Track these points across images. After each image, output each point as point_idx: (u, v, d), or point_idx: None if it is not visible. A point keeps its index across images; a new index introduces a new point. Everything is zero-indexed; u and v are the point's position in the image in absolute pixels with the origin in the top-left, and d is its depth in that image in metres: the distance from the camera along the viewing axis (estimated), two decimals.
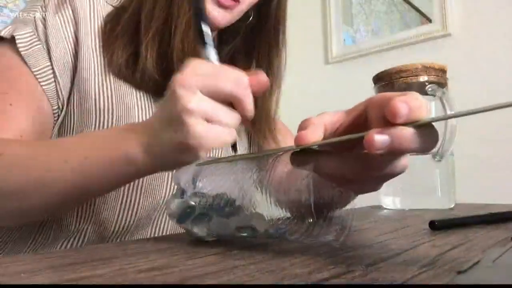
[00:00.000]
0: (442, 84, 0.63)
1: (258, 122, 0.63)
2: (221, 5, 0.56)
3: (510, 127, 1.27)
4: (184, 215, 0.36)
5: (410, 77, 0.62)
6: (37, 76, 0.51)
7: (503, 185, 1.28)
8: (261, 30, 0.65)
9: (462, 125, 0.61)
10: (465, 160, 0.90)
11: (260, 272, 0.24)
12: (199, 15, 0.43)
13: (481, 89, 1.36)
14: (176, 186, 0.37)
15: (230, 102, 0.36)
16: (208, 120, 0.34)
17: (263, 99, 0.63)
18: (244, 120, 0.38)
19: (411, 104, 0.25)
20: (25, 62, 0.50)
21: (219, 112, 0.35)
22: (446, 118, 0.26)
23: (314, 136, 0.30)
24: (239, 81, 0.35)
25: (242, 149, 0.67)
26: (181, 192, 0.36)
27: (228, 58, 0.67)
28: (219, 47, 0.69)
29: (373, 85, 0.68)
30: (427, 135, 0.26)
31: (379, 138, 0.25)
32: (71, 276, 0.24)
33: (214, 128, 0.35)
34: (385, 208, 0.67)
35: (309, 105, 1.67)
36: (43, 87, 0.51)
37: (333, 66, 1.79)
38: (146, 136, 0.37)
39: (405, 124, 0.25)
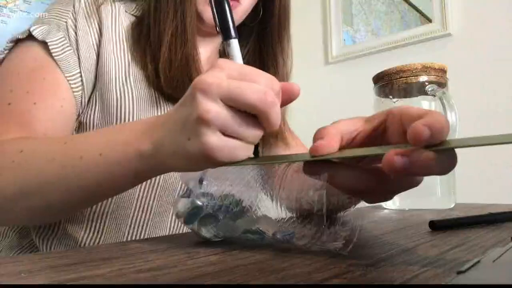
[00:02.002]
0: (442, 84, 0.63)
1: None
2: None
3: (511, 127, 1.27)
4: (191, 216, 0.36)
5: (410, 77, 0.62)
6: (70, 82, 0.52)
7: (503, 185, 1.28)
8: (266, 28, 0.66)
9: (462, 125, 0.61)
10: (465, 160, 0.90)
11: (260, 272, 0.24)
12: (220, 2, 0.40)
13: (481, 89, 1.36)
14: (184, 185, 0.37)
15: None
16: (225, 133, 0.31)
17: None
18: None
19: (433, 128, 0.24)
20: (58, 65, 0.51)
21: (238, 126, 0.31)
22: (468, 146, 0.26)
23: (331, 147, 0.29)
24: (267, 92, 0.30)
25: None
26: (189, 192, 0.36)
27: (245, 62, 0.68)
28: None
29: (373, 85, 0.68)
30: (446, 158, 0.26)
31: (399, 160, 0.25)
32: (71, 276, 0.24)
33: (230, 142, 0.31)
34: (385, 208, 0.67)
35: (309, 105, 1.67)
36: (74, 93, 0.52)
37: (333, 66, 1.79)
38: (159, 134, 0.35)
39: (426, 146, 0.25)
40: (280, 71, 0.66)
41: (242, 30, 0.69)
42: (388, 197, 0.32)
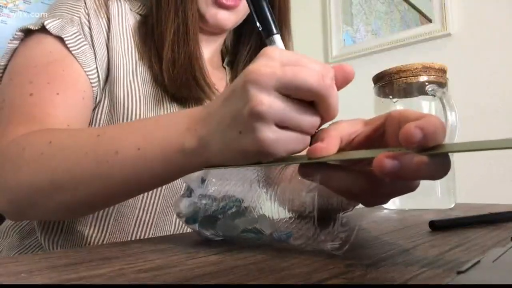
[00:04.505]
0: (442, 84, 0.63)
1: None
2: (223, 6, 0.56)
3: (511, 127, 1.27)
4: (192, 216, 0.36)
5: (410, 77, 0.62)
6: (89, 76, 0.52)
7: (503, 185, 1.28)
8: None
9: (462, 125, 0.61)
10: (465, 160, 0.90)
11: (260, 272, 0.24)
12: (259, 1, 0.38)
13: (481, 89, 1.36)
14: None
15: (311, 101, 0.30)
16: (280, 125, 0.29)
17: None
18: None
19: (425, 130, 0.24)
20: (76, 59, 0.51)
21: (294, 116, 0.29)
22: (461, 150, 0.25)
23: (329, 150, 0.29)
24: (324, 74, 0.28)
25: None
26: (189, 192, 0.36)
27: (248, 59, 0.68)
28: (235, 48, 0.70)
29: (373, 85, 0.68)
30: (439, 163, 0.25)
31: (389, 163, 0.24)
32: (71, 276, 0.24)
33: (286, 135, 0.29)
34: (385, 208, 0.67)
35: None
36: (92, 88, 0.52)
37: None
38: (205, 130, 0.32)
39: (418, 150, 0.25)
40: None
41: (245, 30, 0.69)
42: (383, 200, 0.31)
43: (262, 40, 0.64)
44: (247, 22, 0.65)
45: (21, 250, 0.57)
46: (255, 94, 0.28)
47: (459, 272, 0.19)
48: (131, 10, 0.60)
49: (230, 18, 0.58)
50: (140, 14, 0.60)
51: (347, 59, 1.74)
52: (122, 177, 0.36)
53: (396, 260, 0.27)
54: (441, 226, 0.41)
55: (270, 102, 0.28)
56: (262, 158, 0.30)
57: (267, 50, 0.30)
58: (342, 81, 0.31)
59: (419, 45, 1.54)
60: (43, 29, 0.50)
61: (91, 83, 0.52)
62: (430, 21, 1.52)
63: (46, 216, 0.48)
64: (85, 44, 0.52)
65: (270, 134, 0.28)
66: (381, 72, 0.65)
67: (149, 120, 0.40)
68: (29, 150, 0.39)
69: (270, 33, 0.38)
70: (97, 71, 0.53)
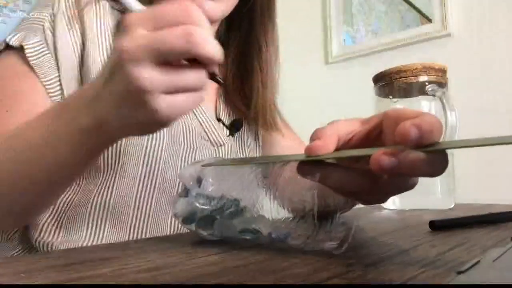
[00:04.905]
0: (442, 84, 0.63)
1: (261, 114, 0.64)
2: None
3: (511, 127, 1.27)
4: (189, 217, 0.36)
5: (410, 77, 0.62)
6: (47, 87, 0.51)
7: (503, 185, 1.28)
8: (253, 17, 0.66)
9: (462, 125, 0.61)
10: (465, 160, 0.90)
11: (260, 272, 0.24)
12: None
13: (481, 89, 1.36)
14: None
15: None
16: (169, 92, 0.30)
17: (258, 91, 0.64)
18: (216, 77, 0.32)
19: (422, 128, 0.24)
20: (33, 71, 0.50)
21: (177, 80, 0.30)
22: (458, 147, 0.25)
23: (327, 148, 0.29)
24: (191, 32, 0.28)
25: (248, 150, 0.68)
26: (186, 192, 0.36)
27: (238, 51, 0.67)
28: (225, 37, 0.69)
29: (373, 85, 0.68)
30: (436, 160, 0.25)
31: (386, 160, 0.25)
32: (71, 276, 0.24)
33: (177, 98, 0.30)
34: (385, 208, 0.67)
35: (309, 105, 1.67)
36: (51, 98, 0.51)
37: (333, 66, 1.79)
38: (99, 108, 0.33)
39: (415, 147, 0.25)
40: (263, 57, 0.65)
41: (235, 17, 0.67)
42: (382, 199, 0.31)
43: (252, 26, 0.62)
44: (237, 9, 0.64)
45: (19, 252, 0.57)
46: (133, 71, 0.28)
47: (459, 272, 0.19)
48: (112, 8, 0.57)
49: (219, 9, 0.56)
50: (121, 12, 0.58)
51: (347, 59, 1.74)
52: (36, 167, 0.38)
53: (396, 260, 0.27)
54: (441, 226, 0.41)
55: (149, 75, 0.28)
56: (161, 126, 0.32)
57: (126, 20, 0.30)
58: (213, 12, 0.32)
59: (419, 45, 1.54)
60: (7, 47, 0.51)
61: (49, 93, 0.51)
62: (430, 21, 1.52)
63: None
64: (46, 53, 0.51)
65: (161, 103, 0.29)
66: (381, 72, 0.65)
67: (66, 100, 0.40)
68: None
69: None
70: (59, 80, 0.52)
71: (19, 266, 0.27)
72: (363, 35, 1.73)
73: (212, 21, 0.57)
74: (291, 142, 0.71)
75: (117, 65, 0.30)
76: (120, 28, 0.31)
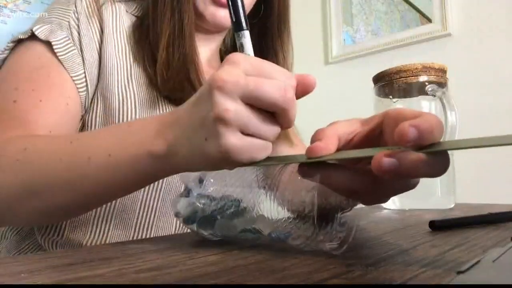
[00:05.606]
0: (442, 84, 0.63)
1: None
2: (222, 5, 0.56)
3: (511, 127, 1.27)
4: (190, 216, 0.36)
5: (410, 77, 0.62)
6: (76, 82, 0.52)
7: (503, 185, 1.28)
8: (266, 23, 0.66)
9: (462, 125, 0.61)
10: (465, 160, 0.90)
11: (260, 272, 0.24)
12: None
13: (481, 89, 1.36)
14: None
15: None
16: (244, 132, 0.30)
17: None
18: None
19: (421, 128, 0.24)
20: (62, 65, 0.51)
21: (258, 124, 0.30)
22: (459, 147, 0.25)
23: (328, 149, 0.29)
24: (287, 89, 0.30)
25: None
26: (188, 192, 0.36)
27: None
28: (234, 46, 0.70)
29: (373, 85, 0.68)
30: (438, 161, 0.25)
31: (387, 162, 0.25)
32: (71, 276, 0.24)
33: (250, 141, 0.30)
34: (385, 208, 0.67)
35: (309, 105, 1.67)
36: (80, 93, 0.52)
37: (333, 66, 1.79)
38: (173, 134, 0.33)
39: (416, 148, 0.25)
40: (278, 61, 0.66)
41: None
42: (383, 199, 0.32)
43: (261, 40, 0.63)
44: (250, 16, 0.65)
45: (20, 252, 0.57)
46: (221, 100, 0.29)
47: (459, 272, 0.19)
48: (127, 11, 0.59)
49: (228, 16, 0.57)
50: (136, 16, 0.60)
51: (347, 59, 1.74)
52: (94, 183, 0.37)
53: (396, 260, 0.27)
54: (441, 226, 0.41)
55: (235, 109, 0.29)
56: (226, 165, 0.31)
57: (233, 56, 0.31)
58: (301, 92, 0.32)
59: (419, 45, 1.54)
60: (32, 36, 0.51)
61: (77, 88, 0.52)
62: (430, 21, 1.52)
63: (22, 221, 0.48)
64: (73, 49, 0.52)
65: (234, 140, 0.29)
66: (381, 72, 0.65)
67: (123, 126, 0.41)
68: (5, 157, 0.40)
69: (240, 29, 0.38)
70: (85, 76, 0.53)
71: (19, 266, 0.27)
72: (363, 35, 1.73)
73: (223, 28, 0.58)
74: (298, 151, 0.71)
75: (208, 92, 0.30)
76: (224, 61, 0.31)
